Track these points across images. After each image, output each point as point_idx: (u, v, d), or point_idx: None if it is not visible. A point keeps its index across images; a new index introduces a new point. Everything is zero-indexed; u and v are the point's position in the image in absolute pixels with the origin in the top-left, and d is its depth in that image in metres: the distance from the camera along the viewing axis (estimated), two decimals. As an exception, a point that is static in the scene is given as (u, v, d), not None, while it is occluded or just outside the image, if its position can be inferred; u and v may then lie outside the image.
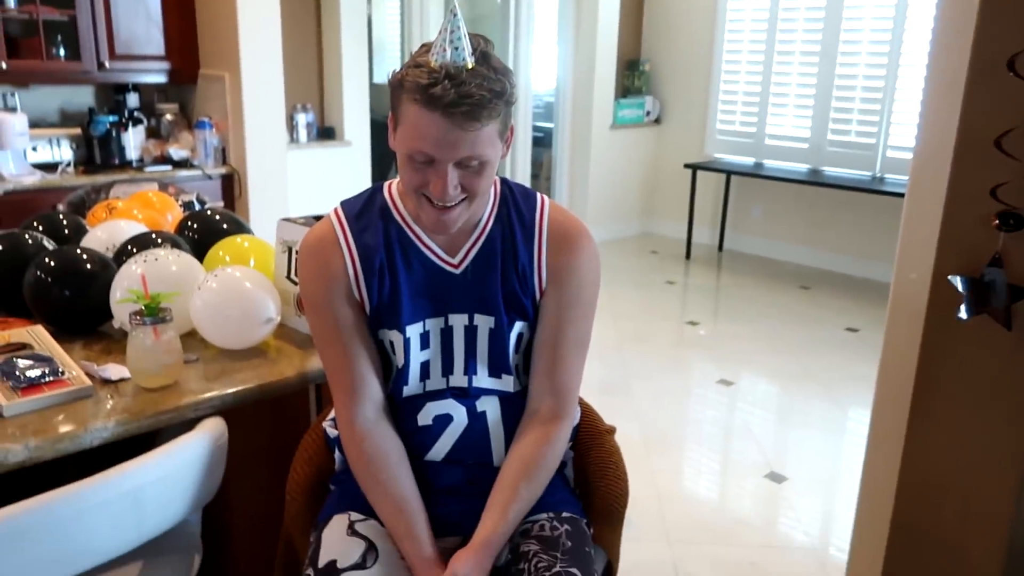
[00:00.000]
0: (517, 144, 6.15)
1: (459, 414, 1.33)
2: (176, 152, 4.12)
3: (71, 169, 3.85)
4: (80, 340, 1.68)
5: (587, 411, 1.54)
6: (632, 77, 6.43)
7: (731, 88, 6.02)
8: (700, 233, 6.24)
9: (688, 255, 6.04)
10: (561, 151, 6.37)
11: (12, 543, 1.06)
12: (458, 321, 1.31)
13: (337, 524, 1.31)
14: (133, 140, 4.03)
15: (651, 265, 5.90)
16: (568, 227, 1.34)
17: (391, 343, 1.31)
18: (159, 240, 1.83)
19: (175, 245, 1.83)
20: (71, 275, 1.67)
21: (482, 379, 1.33)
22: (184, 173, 4.04)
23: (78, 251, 1.74)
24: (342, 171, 4.97)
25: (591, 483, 1.49)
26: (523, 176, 6.18)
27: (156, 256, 1.67)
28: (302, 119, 4.82)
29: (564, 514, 1.36)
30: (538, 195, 1.37)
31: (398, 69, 1.18)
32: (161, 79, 4.12)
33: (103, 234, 1.94)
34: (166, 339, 1.45)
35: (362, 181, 5.02)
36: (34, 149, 3.74)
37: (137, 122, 4.08)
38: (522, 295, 1.31)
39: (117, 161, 3.98)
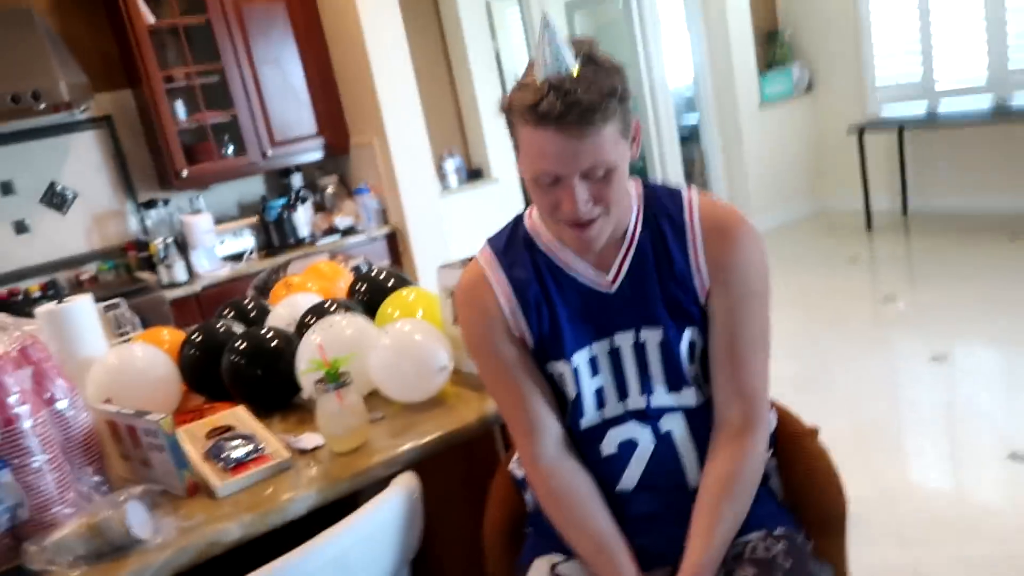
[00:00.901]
0: (664, 145, 5.99)
1: (643, 438, 1.27)
2: (341, 221, 4.37)
3: (254, 255, 4.19)
4: (278, 414, 1.78)
5: (783, 414, 1.42)
6: (774, 49, 6.10)
7: (886, 33, 5.53)
8: (878, 200, 5.74)
9: (869, 226, 5.58)
10: (711, 143, 6.14)
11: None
12: (624, 340, 1.26)
13: (539, 568, 1.28)
14: (303, 217, 4.33)
15: (830, 244, 5.52)
16: (722, 218, 1.25)
17: (560, 375, 1.28)
18: (333, 307, 1.92)
19: (348, 309, 1.91)
20: (260, 355, 1.78)
21: (660, 396, 1.26)
22: (351, 239, 4.28)
23: (263, 331, 1.85)
24: (495, 208, 5.06)
25: (802, 493, 1.36)
26: (675, 178, 6.00)
27: (331, 323, 1.75)
28: (450, 165, 4.97)
29: (777, 531, 1.25)
30: (683, 190, 1.29)
31: (504, 95, 1.16)
32: (318, 155, 4.40)
33: (284, 310, 2.07)
34: (349, 402, 1.49)
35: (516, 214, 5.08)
36: (221, 242, 4.10)
37: (303, 200, 4.38)
38: (685, 300, 1.24)
39: (292, 240, 4.29)
